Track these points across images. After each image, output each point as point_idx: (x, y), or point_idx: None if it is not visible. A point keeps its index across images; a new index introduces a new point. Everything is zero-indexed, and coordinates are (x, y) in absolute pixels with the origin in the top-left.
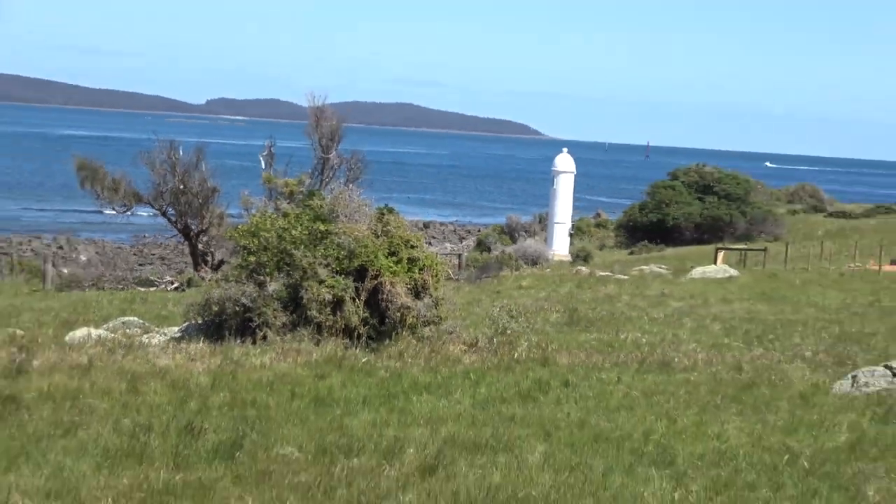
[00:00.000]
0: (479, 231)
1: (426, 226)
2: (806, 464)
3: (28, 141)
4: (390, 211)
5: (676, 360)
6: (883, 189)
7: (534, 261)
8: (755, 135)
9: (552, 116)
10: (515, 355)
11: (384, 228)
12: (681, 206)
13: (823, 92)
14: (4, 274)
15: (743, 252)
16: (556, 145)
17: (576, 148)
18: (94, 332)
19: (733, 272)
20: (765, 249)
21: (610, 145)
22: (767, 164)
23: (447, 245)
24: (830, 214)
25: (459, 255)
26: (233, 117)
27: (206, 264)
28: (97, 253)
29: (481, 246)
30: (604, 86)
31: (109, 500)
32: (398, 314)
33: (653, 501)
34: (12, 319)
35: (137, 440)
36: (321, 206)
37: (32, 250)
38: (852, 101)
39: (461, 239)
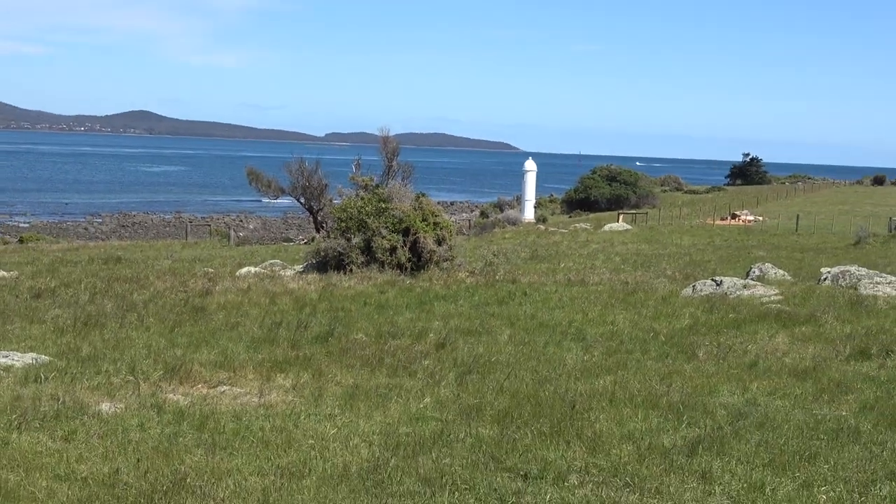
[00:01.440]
0: (482, 206)
1: (451, 204)
2: (663, 338)
3: (219, 160)
4: (423, 195)
5: (591, 278)
6: (714, 176)
7: (513, 223)
8: (637, 143)
9: (524, 137)
10: (496, 277)
11: (419, 205)
12: (598, 189)
13: (675, 116)
14: (207, 236)
15: (634, 215)
16: (527, 155)
17: (537, 157)
18: (254, 269)
19: (629, 227)
20: (646, 213)
21: (558, 154)
22: (637, 163)
23: (463, 214)
24: (685, 192)
25: (469, 221)
26: (340, 143)
27: (323, 229)
28: (260, 224)
29: (483, 214)
30: (554, 117)
31: (251, 367)
32: (428, 255)
33: (570, 361)
34: (208, 263)
35: (272, 331)
36: (383, 193)
37: (223, 222)
38: (688, 120)
39: (471, 210)
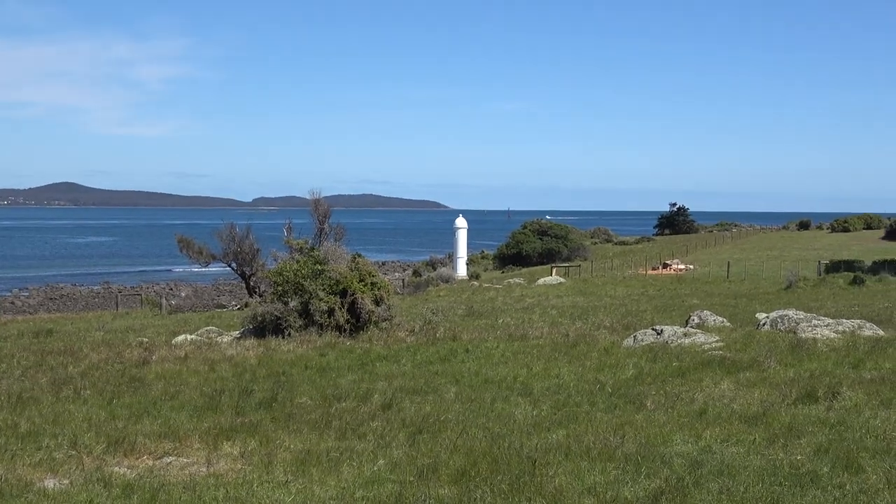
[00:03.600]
0: (414, 264)
1: (383, 264)
2: (610, 389)
3: (146, 229)
4: (359, 256)
5: (531, 333)
6: (643, 227)
7: (446, 280)
8: (565, 198)
9: (453, 195)
10: (437, 335)
11: (356, 266)
12: (529, 243)
13: (601, 170)
14: (138, 306)
15: (567, 268)
16: (457, 213)
17: (466, 213)
18: (190, 337)
19: (562, 280)
20: (579, 266)
21: (487, 211)
22: (547, 217)
23: (396, 274)
24: (616, 243)
25: (403, 279)
26: (268, 208)
27: (255, 293)
28: (192, 291)
29: (416, 273)
30: (481, 174)
31: (197, 436)
32: (367, 315)
33: (520, 416)
34: (141, 332)
35: (214, 399)
36: (318, 255)
37: (154, 291)
38: (614, 173)
39: (403, 270)
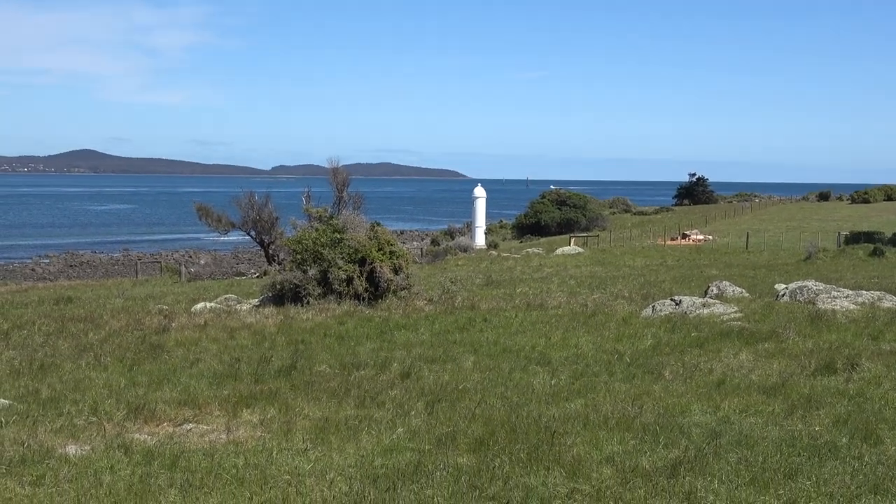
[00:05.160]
0: (432, 234)
1: (401, 233)
2: (628, 359)
3: (165, 197)
4: (378, 224)
5: (549, 302)
6: (662, 197)
7: (465, 249)
8: (584, 167)
9: (471, 164)
10: (455, 304)
11: (375, 235)
12: (548, 213)
13: (620, 140)
14: (157, 273)
15: (585, 238)
16: (474, 182)
17: (485, 183)
18: (209, 304)
19: (580, 250)
20: (598, 236)
21: (506, 180)
22: (551, 187)
23: (414, 243)
24: (634, 213)
25: (421, 249)
26: (287, 176)
27: (274, 261)
28: (211, 259)
29: (434, 242)
30: (500, 143)
31: (216, 403)
32: (385, 284)
33: (538, 386)
34: (161, 300)
35: (233, 367)
36: (337, 224)
37: (173, 259)
38: (633, 143)
39: (422, 239)
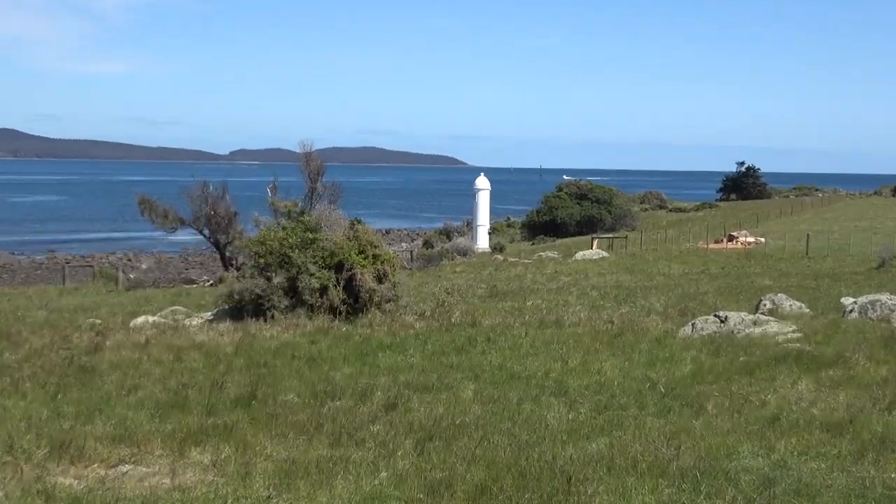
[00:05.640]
0: (424, 233)
1: (387, 232)
2: (662, 388)
3: (102, 187)
4: (358, 222)
5: (566, 318)
6: (704, 191)
7: (464, 253)
8: (609, 154)
9: (472, 149)
10: (452, 320)
11: (354, 234)
12: (565, 209)
13: (652, 121)
14: (89, 280)
15: (611, 239)
16: (476, 171)
17: (489, 172)
18: (151, 318)
19: (605, 254)
20: (626, 237)
21: (514, 169)
22: (565, 177)
23: (403, 245)
24: (670, 210)
25: (411, 252)
26: (249, 163)
27: (231, 266)
28: (155, 262)
29: (427, 244)
30: (506, 127)
31: (159, 440)
32: (367, 295)
33: (553, 421)
34: (93, 312)
35: (180, 395)
36: (309, 221)
37: (109, 262)
38: (669, 126)
39: (412, 240)
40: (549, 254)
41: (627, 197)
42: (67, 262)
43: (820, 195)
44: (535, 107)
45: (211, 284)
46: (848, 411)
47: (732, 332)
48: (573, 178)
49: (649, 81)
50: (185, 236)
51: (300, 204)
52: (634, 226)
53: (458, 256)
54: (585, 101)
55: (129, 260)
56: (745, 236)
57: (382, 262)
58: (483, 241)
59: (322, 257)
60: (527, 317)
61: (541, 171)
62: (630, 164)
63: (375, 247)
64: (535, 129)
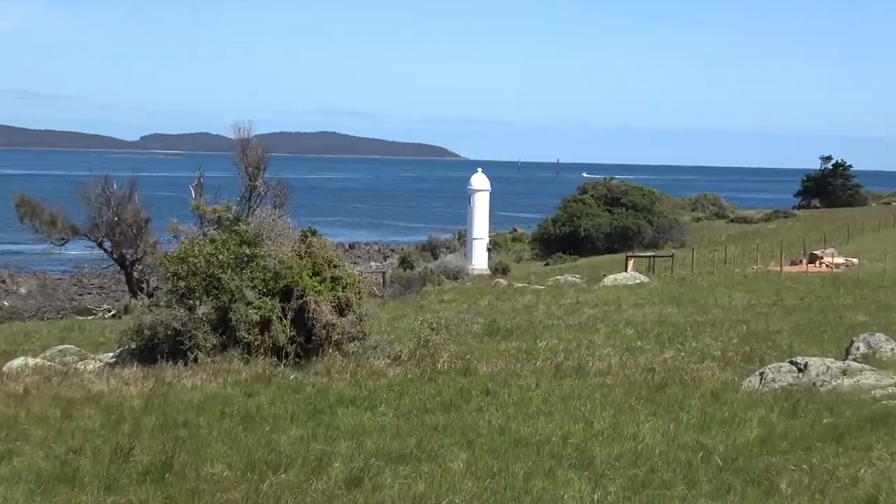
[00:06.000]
0: (402, 249)
1: (351, 247)
2: (719, 460)
3: None
4: (313, 233)
5: (591, 364)
6: (778, 195)
7: (454, 275)
8: (646, 145)
9: (467, 138)
10: (437, 366)
11: (307, 250)
12: (591, 217)
13: (703, 103)
14: None
15: (651, 259)
16: (472, 166)
17: (490, 167)
18: (32, 361)
19: (643, 278)
20: (672, 256)
21: (523, 164)
22: (585, 174)
23: (372, 264)
24: (732, 220)
25: (384, 273)
26: (166, 151)
27: (142, 291)
28: (38, 285)
29: (405, 263)
30: (514, 109)
31: None
32: (323, 331)
33: (572, 502)
34: None
35: (70, 465)
36: (247, 231)
37: None
38: (725, 108)
39: (385, 257)
40: (570, 277)
41: (674, 202)
42: None
43: None
44: (551, 83)
45: (113, 315)
46: None
47: (814, 384)
48: (597, 178)
49: (701, 48)
50: (80, 251)
51: (234, 208)
52: (683, 241)
53: (446, 280)
54: (614, 76)
55: (3, 282)
56: (832, 256)
57: (345, 288)
58: (480, 260)
59: (263, 280)
60: (538, 362)
61: (558, 168)
62: (678, 159)
63: (335, 266)
64: (550, 111)
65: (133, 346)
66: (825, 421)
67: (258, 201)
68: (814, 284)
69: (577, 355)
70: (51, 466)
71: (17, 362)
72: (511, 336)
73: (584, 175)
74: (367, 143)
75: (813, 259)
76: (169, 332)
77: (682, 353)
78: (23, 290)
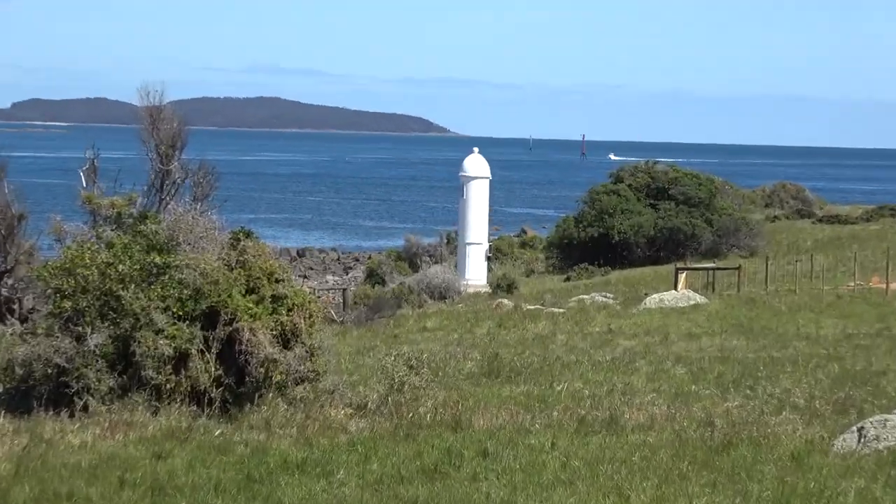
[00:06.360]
0: (369, 258)
1: (300, 254)
2: None
3: None
4: (247, 235)
5: (628, 416)
6: (874, 185)
7: (441, 294)
8: (697, 114)
9: (459, 108)
10: (416, 417)
11: (240, 258)
12: (629, 215)
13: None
14: None
15: (711, 272)
16: (465, 145)
17: (491, 147)
18: None
19: (699, 298)
20: (738, 268)
21: (535, 142)
22: (612, 155)
23: (329, 278)
24: (820, 220)
25: (344, 290)
26: (48, 123)
27: (12, 315)
28: None
29: (373, 277)
30: (521, 68)
31: None
32: (261, 370)
33: None
34: None
35: None
36: (157, 233)
37: None
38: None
39: (347, 269)
40: (599, 297)
41: (741, 194)
42: None
43: None
44: (570, 33)
45: None
46: None
47: None
48: (634, 161)
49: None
50: None
51: (140, 201)
52: (754, 247)
53: (430, 301)
54: (662, 25)
55: None
56: None
57: (290, 311)
58: (477, 273)
59: (179, 300)
60: (555, 413)
61: (584, 147)
62: (741, 135)
63: (278, 281)
64: (570, 71)
65: (0, 388)
66: None
67: (173, 192)
68: None
69: (609, 404)
70: None
71: None
72: (518, 377)
73: (612, 157)
74: (322, 113)
75: None
76: (49, 371)
77: (753, 402)
78: None
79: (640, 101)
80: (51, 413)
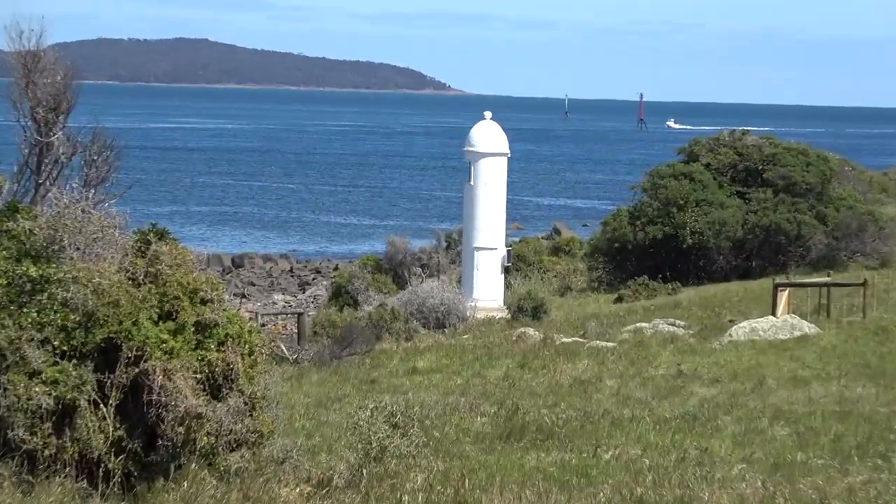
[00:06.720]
0: (335, 269)
1: (237, 263)
2: None
3: None
4: (161, 236)
5: (707, 496)
6: None
7: (439, 320)
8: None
9: (464, 58)
10: (404, 499)
11: (151, 269)
12: (707, 209)
13: None
14: None
15: (825, 290)
16: (474, 107)
17: (510, 111)
18: None
19: (808, 328)
20: (864, 283)
21: (572, 104)
22: (670, 123)
23: (278, 298)
24: None
25: (300, 316)
26: None
27: None
28: None
29: (341, 296)
30: (553, 4)
31: None
32: (181, 429)
33: None
34: None
35: None
36: (32, 233)
37: None
38: None
39: (303, 285)
40: (664, 325)
41: (867, 177)
42: None
43: None
44: None
45: None
46: None
47: None
48: (714, 131)
49: None
50: None
51: (7, 187)
52: (887, 255)
53: (422, 330)
54: None
55: None
56: None
57: (222, 345)
58: (490, 291)
59: (64, 329)
60: (603, 493)
61: (642, 110)
62: (854, 96)
63: (205, 302)
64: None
65: None
66: None
67: (55, 174)
68: None
69: (679, 479)
70: None
71: None
72: (549, 441)
73: (670, 125)
74: (267, 61)
75: None
76: None
77: (884, 475)
78: None
79: (718, 46)
80: None
